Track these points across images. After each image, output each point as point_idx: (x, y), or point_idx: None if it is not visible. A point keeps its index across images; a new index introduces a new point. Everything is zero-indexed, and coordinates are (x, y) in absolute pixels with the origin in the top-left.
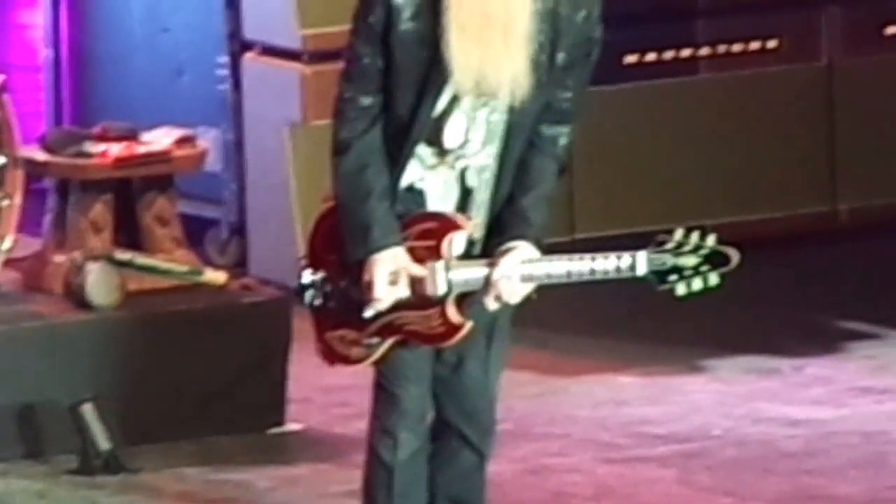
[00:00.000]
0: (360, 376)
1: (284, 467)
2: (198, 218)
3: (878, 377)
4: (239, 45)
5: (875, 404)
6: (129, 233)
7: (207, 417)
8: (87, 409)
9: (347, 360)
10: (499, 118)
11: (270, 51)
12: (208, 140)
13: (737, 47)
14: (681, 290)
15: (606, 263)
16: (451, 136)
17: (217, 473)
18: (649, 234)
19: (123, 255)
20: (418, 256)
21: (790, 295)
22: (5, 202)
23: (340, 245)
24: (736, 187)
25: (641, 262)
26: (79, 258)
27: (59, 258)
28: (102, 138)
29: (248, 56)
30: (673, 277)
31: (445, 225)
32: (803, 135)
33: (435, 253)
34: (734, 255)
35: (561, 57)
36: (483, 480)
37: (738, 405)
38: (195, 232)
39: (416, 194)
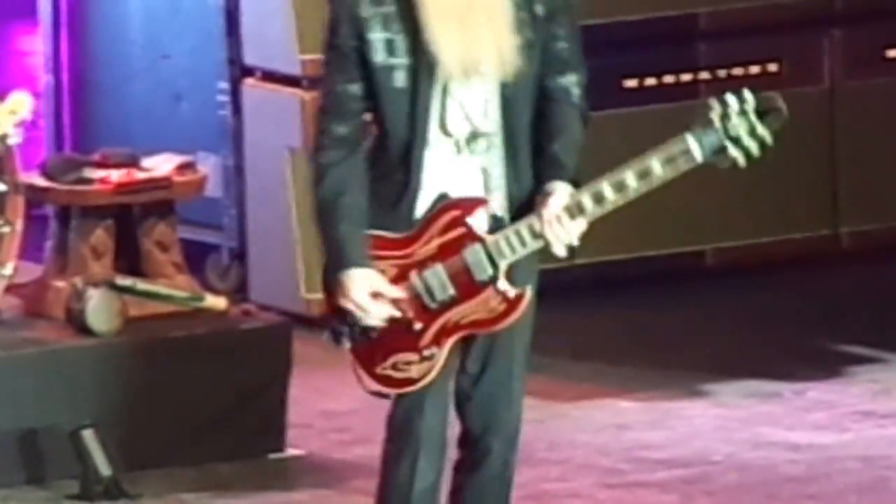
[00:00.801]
0: (360, 401)
1: (284, 493)
2: (198, 243)
3: (880, 401)
4: (239, 71)
5: (877, 429)
6: (129, 258)
7: (208, 443)
8: (88, 435)
9: (411, 382)
10: (493, 90)
11: (270, 76)
12: (208, 166)
13: (737, 71)
14: (742, 160)
15: (655, 163)
16: (455, 125)
17: (217, 499)
18: (651, 259)
19: (124, 280)
20: (452, 249)
21: (792, 319)
22: (6, 229)
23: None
24: (737, 211)
25: (695, 148)
26: (80, 284)
27: (60, 284)
28: (102, 165)
29: (249, 82)
30: (732, 150)
31: (466, 207)
32: (805, 158)
33: (468, 238)
34: (779, 100)
35: (539, 8)
36: (508, 489)
37: (740, 430)
38: (196, 257)
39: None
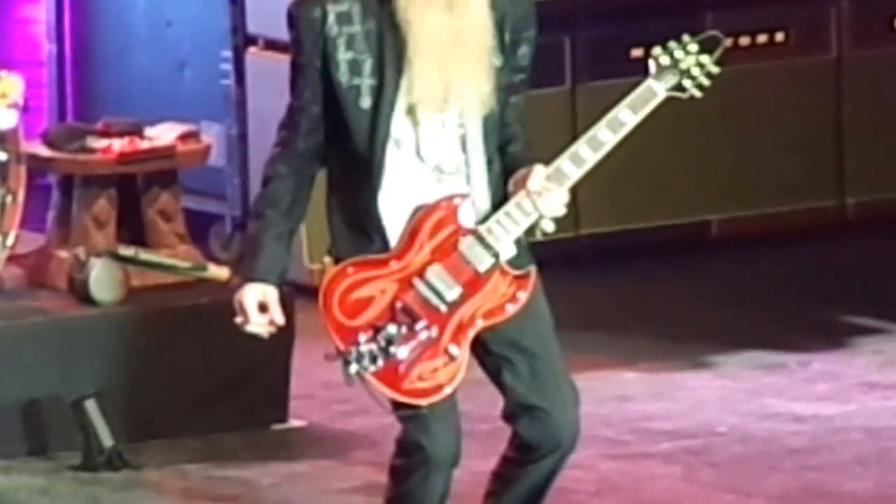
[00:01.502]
0: None
1: (287, 464)
2: (201, 213)
3: (885, 373)
4: (242, 40)
5: (882, 400)
6: (132, 228)
7: (210, 414)
8: (91, 406)
9: (441, 389)
10: (469, 119)
11: (274, 45)
12: (212, 135)
13: (744, 40)
14: (697, 91)
15: (623, 111)
16: (429, 153)
17: (220, 470)
18: (656, 229)
19: (127, 250)
20: (446, 248)
21: (797, 289)
22: (8, 198)
23: (367, 299)
24: (743, 181)
25: (656, 86)
26: (82, 254)
27: (63, 254)
28: (105, 134)
29: (252, 50)
30: (687, 83)
31: (449, 206)
32: (811, 128)
33: (460, 233)
34: (718, 35)
35: (508, 36)
36: (552, 481)
37: (744, 401)
38: (199, 227)
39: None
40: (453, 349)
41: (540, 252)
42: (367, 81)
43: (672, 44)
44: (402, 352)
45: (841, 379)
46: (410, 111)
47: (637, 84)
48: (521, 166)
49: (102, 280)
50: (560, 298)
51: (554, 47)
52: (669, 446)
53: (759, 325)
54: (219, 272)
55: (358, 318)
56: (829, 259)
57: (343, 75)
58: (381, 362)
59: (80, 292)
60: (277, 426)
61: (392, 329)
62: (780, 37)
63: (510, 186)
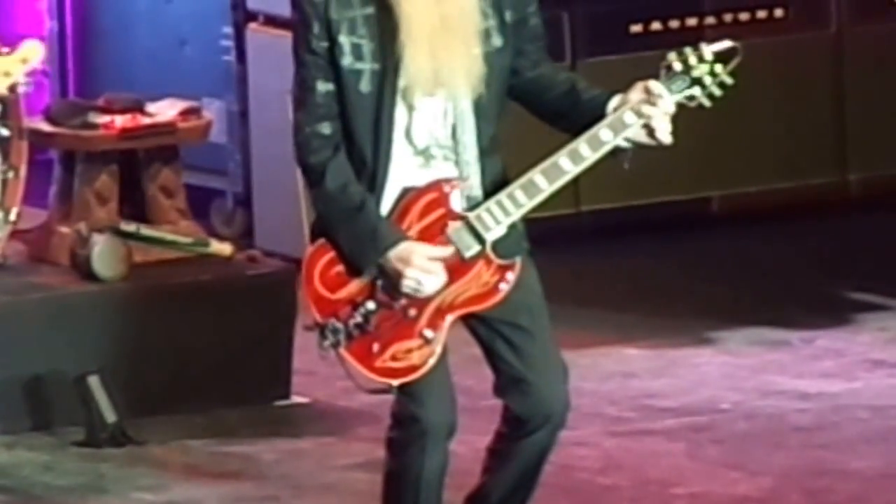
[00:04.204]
0: None
1: (290, 440)
2: (203, 189)
3: (890, 350)
4: (243, 16)
5: (887, 377)
6: (134, 204)
7: (213, 390)
8: (94, 382)
9: (415, 369)
10: (462, 103)
11: (274, 21)
12: (213, 111)
13: (744, 16)
14: (707, 101)
15: (628, 115)
16: (419, 135)
17: (222, 446)
18: (657, 206)
19: (129, 226)
20: (434, 232)
21: (800, 266)
22: (10, 174)
23: (348, 270)
24: (744, 158)
25: (664, 94)
26: (84, 230)
27: (65, 230)
28: (107, 110)
29: (253, 26)
30: (697, 92)
31: (442, 189)
32: (812, 104)
33: (449, 218)
34: (735, 45)
35: (509, 15)
36: (547, 456)
37: (748, 378)
38: (200, 203)
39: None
40: (428, 332)
41: (541, 228)
42: (368, 66)
43: (687, 50)
44: (377, 330)
45: (846, 356)
46: (404, 95)
47: (636, 62)
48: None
49: (105, 256)
50: (561, 275)
51: (553, 23)
52: (673, 423)
53: (762, 301)
54: (221, 248)
55: (338, 292)
56: (832, 235)
57: (346, 59)
58: (356, 338)
59: (82, 268)
60: (280, 402)
61: (371, 306)
62: (779, 12)
63: (610, 106)
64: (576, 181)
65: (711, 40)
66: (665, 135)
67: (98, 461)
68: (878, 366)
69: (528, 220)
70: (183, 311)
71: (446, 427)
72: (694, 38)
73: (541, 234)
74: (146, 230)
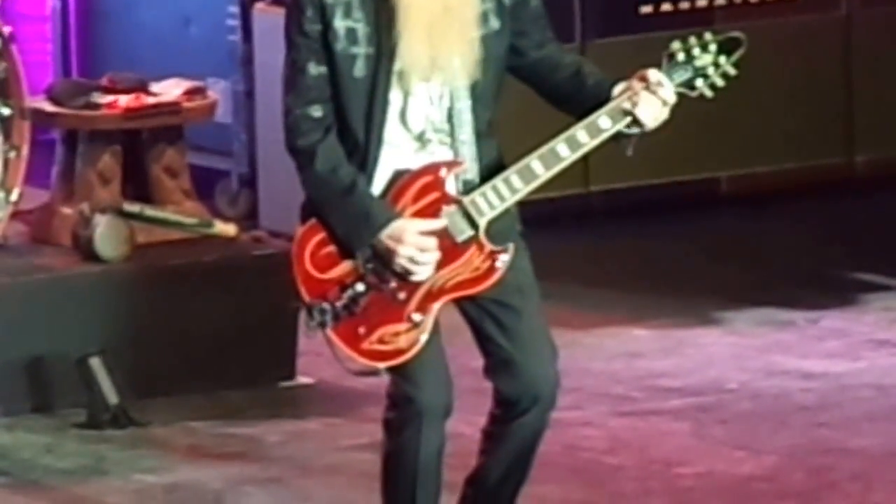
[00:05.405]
0: None
1: (295, 421)
2: (207, 169)
3: (894, 330)
4: None
5: (891, 357)
6: (137, 185)
7: (217, 371)
8: (96, 363)
9: (401, 353)
10: (458, 87)
11: (281, 1)
12: (218, 91)
13: None
14: (709, 91)
15: (626, 104)
16: (414, 120)
17: (227, 427)
18: (666, 186)
19: (132, 207)
20: (427, 215)
21: (806, 246)
22: (12, 154)
23: (339, 252)
24: (752, 139)
25: (667, 84)
26: (87, 210)
27: (67, 210)
28: (110, 89)
29: (259, 6)
30: (699, 83)
31: (437, 172)
32: (821, 86)
33: (443, 201)
34: (740, 36)
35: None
36: (540, 437)
37: (753, 358)
38: (205, 184)
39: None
40: (417, 316)
41: (550, 208)
42: (363, 50)
43: (692, 40)
44: (366, 312)
45: (850, 336)
46: (400, 79)
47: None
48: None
49: (107, 237)
50: (570, 255)
51: (563, 4)
52: (679, 403)
53: (768, 281)
54: (225, 228)
55: (328, 272)
56: (839, 216)
57: (340, 43)
58: (343, 319)
59: (84, 249)
60: (285, 383)
61: (360, 287)
62: None
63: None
64: (585, 161)
65: (721, 21)
66: (650, 119)
67: (100, 443)
68: (882, 345)
69: (536, 200)
70: (187, 291)
71: (442, 408)
72: (704, 19)
73: (550, 213)
74: (150, 211)
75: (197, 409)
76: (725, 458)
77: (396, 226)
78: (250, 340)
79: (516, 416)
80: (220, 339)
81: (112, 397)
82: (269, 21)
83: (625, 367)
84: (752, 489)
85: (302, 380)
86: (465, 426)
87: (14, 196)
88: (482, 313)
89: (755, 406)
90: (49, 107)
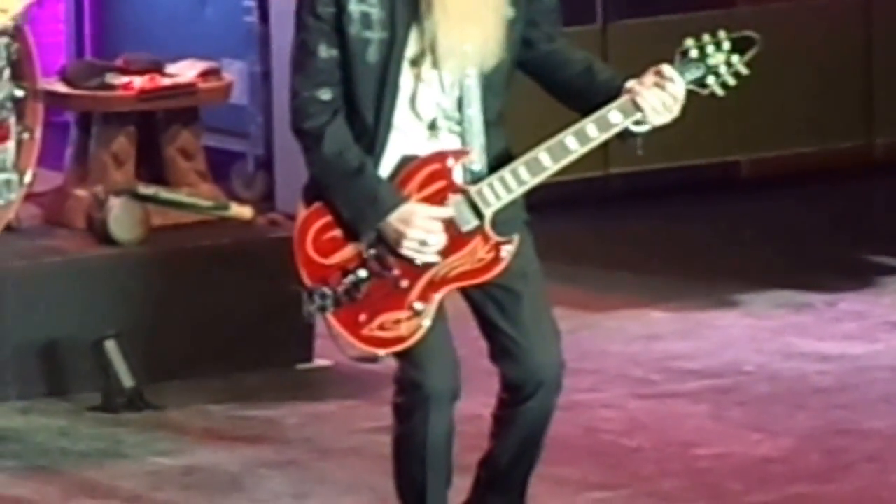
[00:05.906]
0: None
1: (312, 403)
2: (223, 151)
3: None
4: None
5: None
6: (152, 166)
7: (234, 354)
8: (111, 346)
9: (402, 340)
10: (472, 75)
11: None
12: (234, 72)
13: None
14: (720, 90)
15: (639, 98)
16: (426, 108)
17: (244, 410)
18: (685, 169)
19: (147, 189)
20: (432, 204)
21: (825, 229)
22: (25, 135)
23: (343, 236)
24: (771, 121)
25: (678, 81)
26: (101, 193)
27: (81, 193)
28: (125, 70)
29: None
30: (711, 80)
31: (445, 160)
32: (840, 68)
33: (450, 190)
34: (754, 36)
35: None
36: (549, 420)
37: (771, 340)
38: (221, 165)
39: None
40: (418, 305)
41: (569, 191)
42: (376, 35)
43: (706, 38)
44: (367, 298)
45: (867, 318)
46: (414, 65)
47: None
48: (614, 78)
49: (122, 219)
50: (589, 238)
51: None
52: (697, 385)
53: (786, 264)
54: (241, 211)
55: (330, 257)
56: (857, 199)
57: (354, 27)
58: (344, 305)
59: (99, 232)
60: (303, 365)
61: (362, 274)
62: None
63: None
64: (605, 144)
65: (743, 3)
66: (658, 116)
67: (115, 426)
68: None
69: (556, 182)
70: (202, 274)
71: (449, 392)
72: (725, 1)
73: (569, 196)
74: (165, 193)
75: (213, 391)
76: (743, 439)
77: (405, 209)
78: (267, 323)
79: (522, 400)
80: (237, 321)
81: (127, 380)
82: (286, 2)
83: (643, 350)
84: (768, 470)
85: (319, 362)
86: (482, 408)
87: (27, 178)
88: (485, 298)
89: (772, 388)
90: (63, 88)
